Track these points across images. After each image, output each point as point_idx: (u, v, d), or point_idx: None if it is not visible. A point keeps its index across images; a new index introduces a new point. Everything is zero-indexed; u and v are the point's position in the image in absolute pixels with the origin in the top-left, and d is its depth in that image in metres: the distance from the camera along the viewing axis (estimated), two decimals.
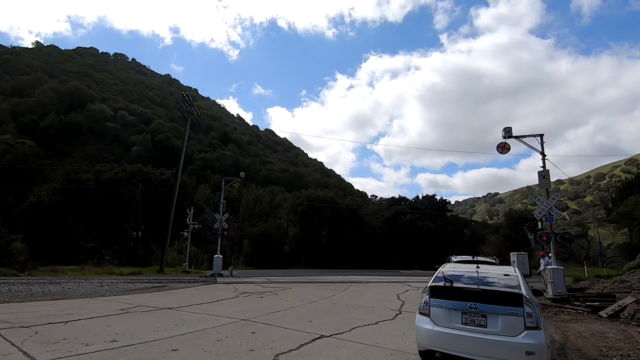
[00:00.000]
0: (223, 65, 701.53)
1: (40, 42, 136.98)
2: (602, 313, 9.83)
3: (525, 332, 4.44)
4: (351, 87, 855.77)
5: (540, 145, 14.84)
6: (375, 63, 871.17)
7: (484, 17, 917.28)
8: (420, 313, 5.15)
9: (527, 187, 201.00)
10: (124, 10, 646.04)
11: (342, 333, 7.10)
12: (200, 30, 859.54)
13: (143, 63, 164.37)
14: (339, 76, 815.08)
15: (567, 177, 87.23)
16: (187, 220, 28.22)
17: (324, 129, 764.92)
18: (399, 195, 60.12)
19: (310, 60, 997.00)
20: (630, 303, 9.65)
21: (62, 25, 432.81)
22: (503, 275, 5.29)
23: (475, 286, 4.96)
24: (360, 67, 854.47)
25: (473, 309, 4.73)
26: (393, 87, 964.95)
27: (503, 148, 15.33)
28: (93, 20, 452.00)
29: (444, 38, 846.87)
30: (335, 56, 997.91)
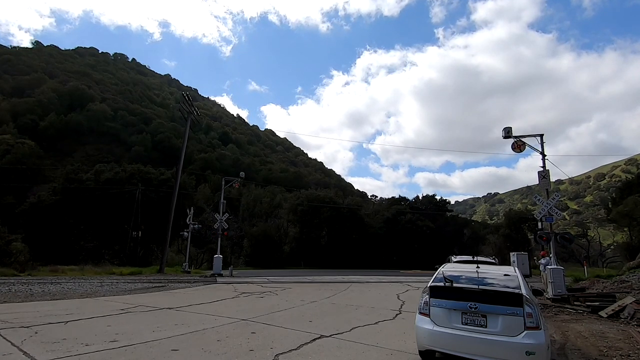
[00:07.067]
0: (216, 62, 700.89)
1: (40, 42, 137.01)
2: (602, 313, 9.82)
3: (525, 332, 4.44)
4: (347, 83, 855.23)
5: (540, 145, 14.83)
6: (370, 58, 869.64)
7: (481, 10, 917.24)
8: (420, 313, 5.15)
9: (527, 187, 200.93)
10: (109, 3, 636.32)
11: (342, 333, 7.10)
12: (190, 25, 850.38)
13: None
14: (334, 72, 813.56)
15: (567, 177, 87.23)
16: (187, 220, 28.20)
17: (320, 126, 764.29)
18: (399, 195, 60.24)
19: (304, 55, 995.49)
20: (630, 303, 9.64)
21: (46, 21, 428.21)
22: (503, 275, 5.28)
23: (475, 286, 4.96)
24: (355, 63, 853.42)
25: (473, 309, 4.73)
26: (389, 83, 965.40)
27: (518, 147, 14.90)
28: (79, 14, 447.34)
29: (441, 33, 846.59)
30: (330, 51, 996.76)
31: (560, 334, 7.75)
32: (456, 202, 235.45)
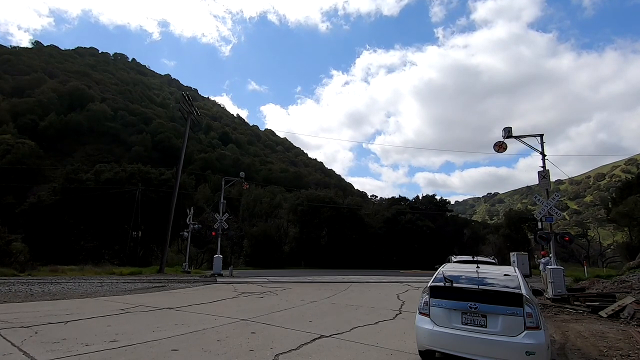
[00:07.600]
0: (216, 62, 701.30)
1: (40, 42, 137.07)
2: (602, 313, 9.82)
3: (525, 332, 4.43)
4: (346, 83, 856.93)
5: (540, 145, 14.82)
6: (370, 58, 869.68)
7: (481, 10, 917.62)
8: (420, 313, 5.14)
9: (527, 187, 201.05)
10: (108, 3, 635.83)
11: (342, 333, 7.10)
12: (189, 24, 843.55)
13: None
14: (333, 72, 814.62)
15: (567, 177, 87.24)
16: (187, 220, 28.19)
17: (320, 126, 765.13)
18: (399, 195, 60.28)
19: (304, 55, 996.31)
20: (630, 303, 9.64)
21: (45, 20, 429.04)
22: (503, 275, 5.28)
23: (475, 286, 4.96)
24: (355, 63, 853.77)
25: (473, 309, 4.73)
26: (389, 83, 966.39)
27: (500, 147, 15.44)
28: (78, 14, 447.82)
29: (440, 32, 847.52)
30: (330, 51, 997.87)
31: (560, 334, 7.75)
32: (456, 202, 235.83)
